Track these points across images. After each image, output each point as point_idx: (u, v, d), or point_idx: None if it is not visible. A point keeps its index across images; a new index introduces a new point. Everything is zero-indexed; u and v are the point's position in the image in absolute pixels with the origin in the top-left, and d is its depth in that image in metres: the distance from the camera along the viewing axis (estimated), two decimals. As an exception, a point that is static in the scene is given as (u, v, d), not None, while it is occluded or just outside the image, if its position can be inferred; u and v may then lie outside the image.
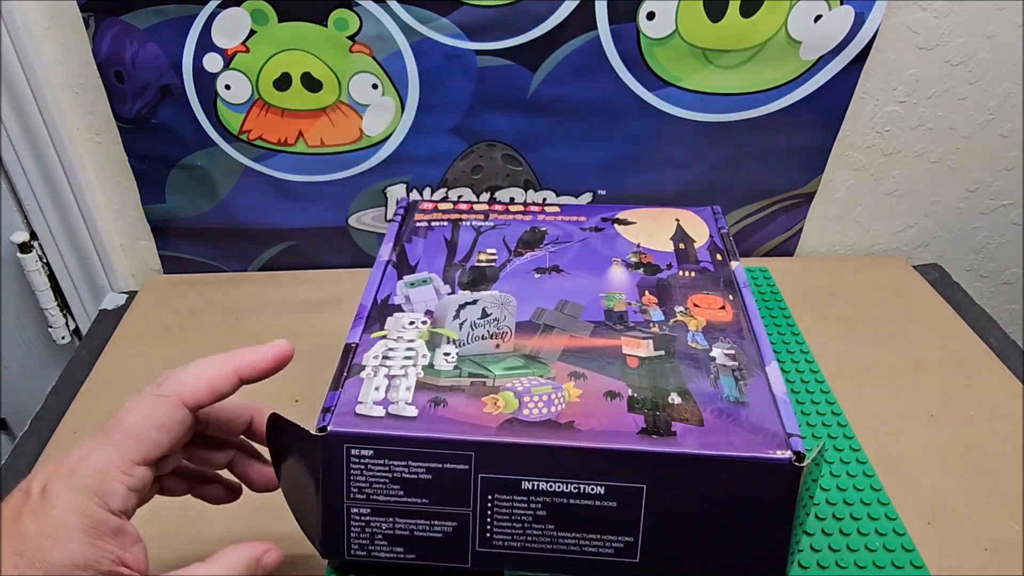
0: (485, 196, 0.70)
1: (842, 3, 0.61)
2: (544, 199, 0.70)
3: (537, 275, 0.49)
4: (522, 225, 0.54)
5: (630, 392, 0.39)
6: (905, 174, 0.72)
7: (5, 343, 0.76)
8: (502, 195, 0.70)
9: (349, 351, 0.42)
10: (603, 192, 0.70)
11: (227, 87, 0.63)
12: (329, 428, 0.37)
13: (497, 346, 0.43)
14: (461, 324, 0.44)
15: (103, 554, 0.30)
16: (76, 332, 0.76)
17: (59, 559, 0.29)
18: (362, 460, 0.37)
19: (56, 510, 0.30)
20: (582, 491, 0.36)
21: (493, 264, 0.50)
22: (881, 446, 0.51)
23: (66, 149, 0.65)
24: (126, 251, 0.74)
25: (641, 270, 0.49)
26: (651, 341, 0.43)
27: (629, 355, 0.42)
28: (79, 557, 0.29)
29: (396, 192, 0.69)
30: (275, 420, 0.38)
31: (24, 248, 0.69)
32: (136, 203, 0.70)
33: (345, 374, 0.40)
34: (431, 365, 0.41)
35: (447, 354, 0.42)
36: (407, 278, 0.49)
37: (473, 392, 0.39)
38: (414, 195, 0.69)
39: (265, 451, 0.40)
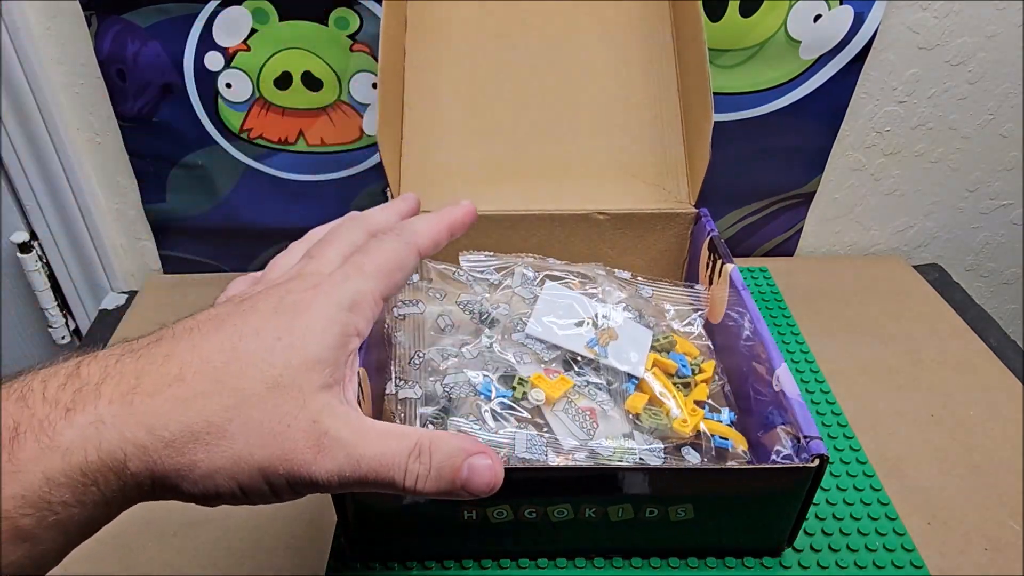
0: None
1: (841, 3, 0.61)
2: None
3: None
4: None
5: None
6: (905, 174, 0.72)
7: (5, 343, 0.76)
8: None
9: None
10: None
11: (228, 86, 0.63)
12: None
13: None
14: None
15: (341, 360, 0.29)
16: (76, 332, 0.76)
17: (314, 351, 0.27)
18: None
19: (311, 314, 0.28)
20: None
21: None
22: (881, 446, 0.51)
23: (66, 149, 0.65)
24: (126, 251, 0.74)
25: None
26: None
27: None
28: (328, 354, 0.28)
29: (396, 192, 0.69)
30: None
31: (24, 248, 0.69)
32: (136, 203, 0.70)
33: None
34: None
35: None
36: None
37: None
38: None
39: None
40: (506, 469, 0.39)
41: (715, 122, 0.53)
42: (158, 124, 0.64)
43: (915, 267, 0.72)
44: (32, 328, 0.76)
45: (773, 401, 0.42)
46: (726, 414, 0.46)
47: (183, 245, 0.73)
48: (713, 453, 0.43)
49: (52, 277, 0.72)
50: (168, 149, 0.66)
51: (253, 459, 0.26)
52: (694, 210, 0.57)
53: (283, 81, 0.63)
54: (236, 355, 0.26)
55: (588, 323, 0.47)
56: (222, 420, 0.25)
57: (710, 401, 0.46)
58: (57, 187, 0.66)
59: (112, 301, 0.72)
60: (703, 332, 0.51)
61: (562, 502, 0.38)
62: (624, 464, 0.40)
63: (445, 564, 0.42)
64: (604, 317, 0.48)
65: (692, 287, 0.53)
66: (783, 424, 0.40)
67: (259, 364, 0.26)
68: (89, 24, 0.60)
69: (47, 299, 0.72)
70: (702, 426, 0.44)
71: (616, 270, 0.53)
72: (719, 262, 0.52)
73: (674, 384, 0.46)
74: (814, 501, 0.47)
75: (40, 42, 0.61)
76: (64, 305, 0.74)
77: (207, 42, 0.61)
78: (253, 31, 0.61)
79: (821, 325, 0.62)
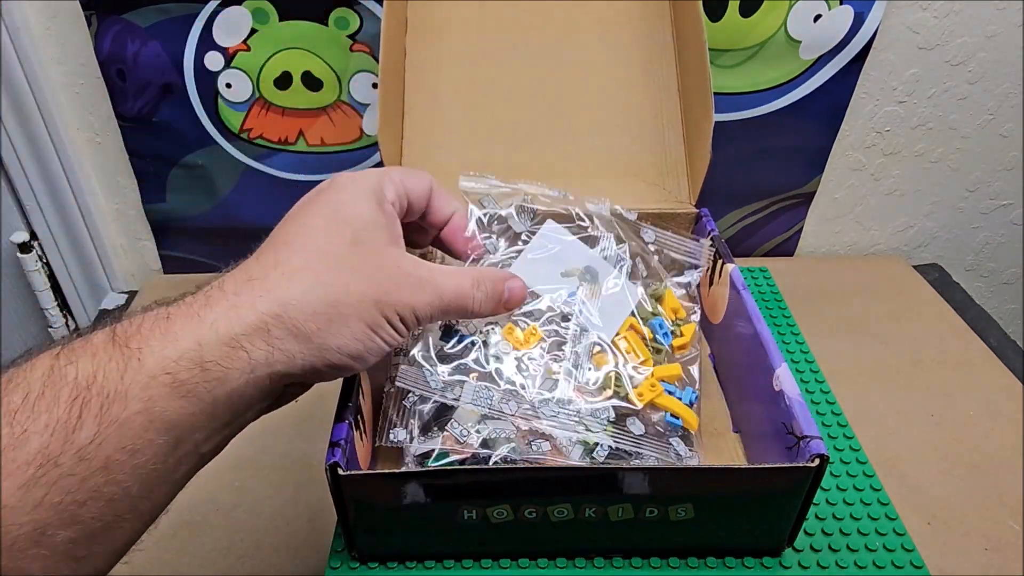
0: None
1: (841, 3, 0.61)
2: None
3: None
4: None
5: None
6: (905, 174, 0.72)
7: (5, 343, 0.76)
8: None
9: (353, 381, 0.41)
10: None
11: (228, 86, 0.63)
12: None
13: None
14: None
15: (389, 223, 0.34)
16: (76, 332, 0.76)
17: (367, 215, 0.33)
18: None
19: (347, 192, 0.34)
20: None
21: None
22: (881, 446, 0.51)
23: (66, 149, 0.65)
24: (126, 251, 0.74)
25: None
26: None
27: None
28: (377, 217, 0.33)
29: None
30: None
31: (24, 248, 0.69)
32: (136, 203, 0.70)
33: (350, 404, 0.40)
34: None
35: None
36: None
37: None
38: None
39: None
40: (506, 469, 0.39)
41: (715, 122, 0.53)
42: (158, 124, 0.64)
43: (915, 267, 0.72)
44: (32, 328, 0.76)
45: (773, 401, 0.42)
46: (688, 393, 0.44)
47: (183, 245, 0.73)
48: (660, 428, 0.42)
49: (52, 277, 0.72)
50: (168, 149, 0.66)
51: (369, 295, 0.31)
52: (694, 210, 0.57)
53: (283, 81, 0.63)
54: (313, 230, 0.32)
55: (575, 276, 0.46)
56: (331, 275, 0.30)
57: (676, 384, 0.45)
58: (57, 187, 0.67)
59: (112, 301, 0.72)
60: (696, 292, 0.50)
61: (562, 502, 0.38)
62: (624, 464, 0.40)
63: (445, 564, 0.42)
64: (593, 271, 0.46)
65: (697, 240, 0.51)
66: (783, 423, 0.40)
67: (336, 230, 0.32)
68: (89, 24, 0.60)
69: (47, 299, 0.72)
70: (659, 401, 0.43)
71: (624, 210, 0.51)
72: (719, 262, 0.52)
73: (650, 348, 0.45)
74: (814, 501, 0.47)
75: (40, 42, 0.61)
76: (64, 305, 0.74)
77: (207, 42, 0.61)
78: (253, 31, 0.61)
79: (821, 325, 0.62)
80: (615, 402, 0.42)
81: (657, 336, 0.46)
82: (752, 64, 0.63)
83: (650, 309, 0.47)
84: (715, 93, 0.64)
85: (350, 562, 0.42)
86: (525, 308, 0.44)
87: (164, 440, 0.25)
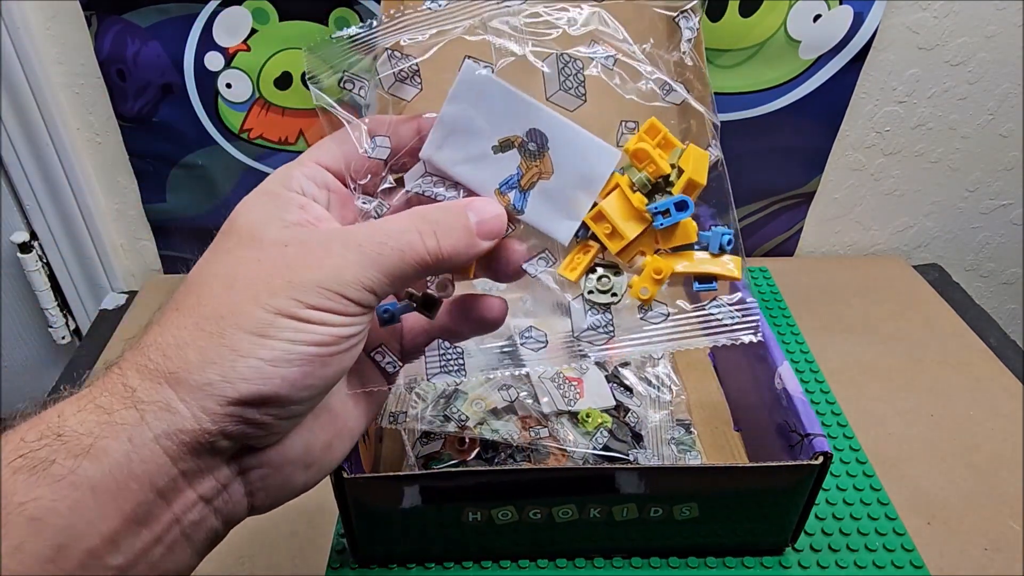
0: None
1: (841, 3, 0.61)
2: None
3: None
4: None
5: None
6: (905, 174, 0.72)
7: (5, 343, 0.76)
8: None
9: None
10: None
11: (228, 86, 0.63)
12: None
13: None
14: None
15: (285, 212, 0.27)
16: (76, 332, 0.76)
17: (255, 215, 0.27)
18: None
19: (245, 200, 0.28)
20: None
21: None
22: (881, 446, 0.51)
23: (66, 149, 0.65)
24: (126, 251, 0.74)
25: None
26: None
27: None
28: (266, 213, 0.27)
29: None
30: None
31: (24, 248, 0.69)
32: (136, 203, 0.70)
33: None
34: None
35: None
36: None
37: None
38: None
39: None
40: (510, 471, 0.39)
41: (715, 122, 0.53)
42: (158, 124, 0.64)
43: (915, 267, 0.72)
44: (32, 328, 0.76)
45: (775, 399, 0.42)
46: (716, 235, 0.33)
47: (183, 245, 0.73)
48: (689, 305, 0.33)
49: (52, 277, 0.72)
50: (168, 149, 0.66)
51: (240, 300, 0.24)
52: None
53: (283, 81, 0.63)
54: (197, 269, 0.26)
55: (515, 147, 0.30)
56: (192, 300, 0.25)
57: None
58: (57, 187, 0.66)
59: (112, 301, 0.72)
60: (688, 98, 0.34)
61: (567, 502, 0.38)
62: (625, 465, 0.40)
63: (445, 564, 0.42)
64: (540, 136, 0.30)
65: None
66: (785, 421, 0.40)
67: (216, 256, 0.26)
68: (89, 24, 0.60)
69: (47, 299, 0.72)
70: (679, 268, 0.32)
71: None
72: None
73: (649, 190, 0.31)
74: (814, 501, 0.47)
75: (40, 42, 0.61)
76: (64, 305, 0.74)
77: (207, 42, 0.61)
78: (253, 31, 0.61)
79: (821, 325, 0.62)
80: (605, 299, 0.31)
81: (652, 209, 0.32)
82: (752, 64, 0.63)
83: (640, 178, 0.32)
84: (715, 93, 0.63)
85: (351, 563, 0.42)
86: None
87: (36, 543, 0.20)
